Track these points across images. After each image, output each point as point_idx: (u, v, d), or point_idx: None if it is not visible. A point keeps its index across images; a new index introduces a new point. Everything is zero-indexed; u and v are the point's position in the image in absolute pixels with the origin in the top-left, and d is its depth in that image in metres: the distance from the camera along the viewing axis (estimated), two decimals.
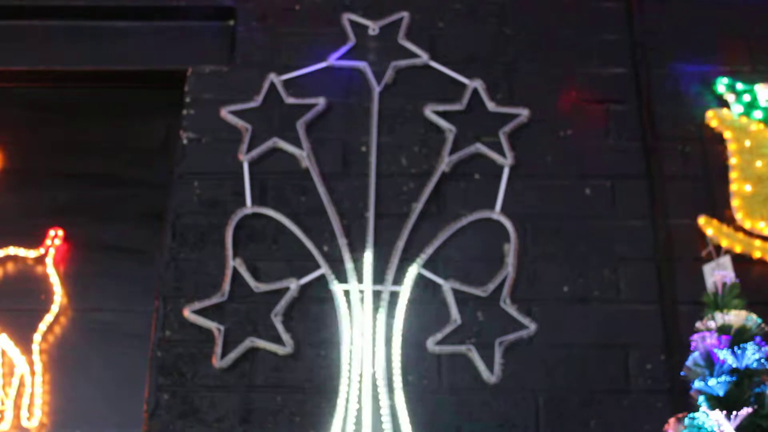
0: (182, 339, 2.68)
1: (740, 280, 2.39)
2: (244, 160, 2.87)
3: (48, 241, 2.91)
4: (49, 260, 2.89)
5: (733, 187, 2.84)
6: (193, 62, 3.05)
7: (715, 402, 2.16)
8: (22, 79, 3.15)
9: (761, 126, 2.92)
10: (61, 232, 2.92)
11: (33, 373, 2.78)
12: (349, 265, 2.73)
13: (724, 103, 2.96)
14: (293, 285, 2.71)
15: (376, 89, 2.96)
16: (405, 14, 3.07)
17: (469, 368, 2.64)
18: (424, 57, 3.01)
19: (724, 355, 2.20)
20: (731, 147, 2.89)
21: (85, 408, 2.75)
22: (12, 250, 2.90)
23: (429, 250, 2.75)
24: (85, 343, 2.83)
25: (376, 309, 2.69)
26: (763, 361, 2.19)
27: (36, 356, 2.79)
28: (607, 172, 2.88)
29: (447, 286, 2.72)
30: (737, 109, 2.94)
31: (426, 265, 2.74)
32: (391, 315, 2.68)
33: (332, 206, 2.81)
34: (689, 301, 2.63)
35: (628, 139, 2.93)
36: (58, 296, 2.86)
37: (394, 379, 2.61)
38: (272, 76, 2.98)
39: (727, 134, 2.91)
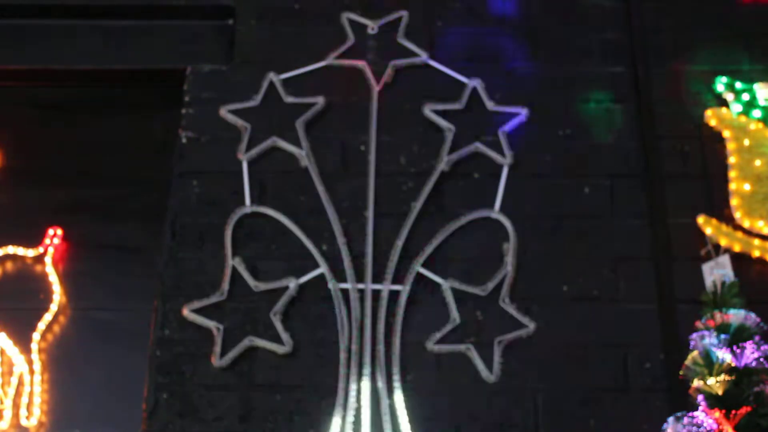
0: (181, 338, 2.68)
1: (739, 279, 2.40)
2: (244, 159, 2.87)
3: (47, 240, 2.90)
4: (48, 259, 2.89)
5: (732, 186, 2.84)
6: (192, 61, 3.05)
7: (714, 401, 2.16)
8: (21, 78, 3.15)
9: (760, 125, 2.91)
10: (60, 231, 2.92)
11: (32, 372, 2.77)
12: (348, 264, 2.73)
13: (723, 102, 2.96)
14: (292, 284, 2.71)
15: (375, 88, 2.96)
16: (404, 13, 3.07)
17: (469, 367, 2.64)
18: (423, 56, 3.01)
19: (723, 354, 2.20)
20: (730, 146, 2.89)
21: (84, 407, 2.75)
22: (11, 249, 2.90)
23: (428, 250, 2.75)
24: (84, 342, 2.83)
25: (375, 308, 2.69)
26: (762, 360, 2.19)
27: (35, 355, 2.79)
28: (606, 171, 2.88)
29: (446, 286, 2.71)
30: (736, 108, 2.93)
31: (425, 265, 2.74)
32: (390, 314, 2.68)
33: (331, 205, 2.81)
34: (688, 300, 2.63)
35: (627, 139, 2.93)
36: (57, 295, 2.86)
37: (393, 379, 2.61)
38: (271, 75, 2.98)
39: (726, 133, 2.91)
